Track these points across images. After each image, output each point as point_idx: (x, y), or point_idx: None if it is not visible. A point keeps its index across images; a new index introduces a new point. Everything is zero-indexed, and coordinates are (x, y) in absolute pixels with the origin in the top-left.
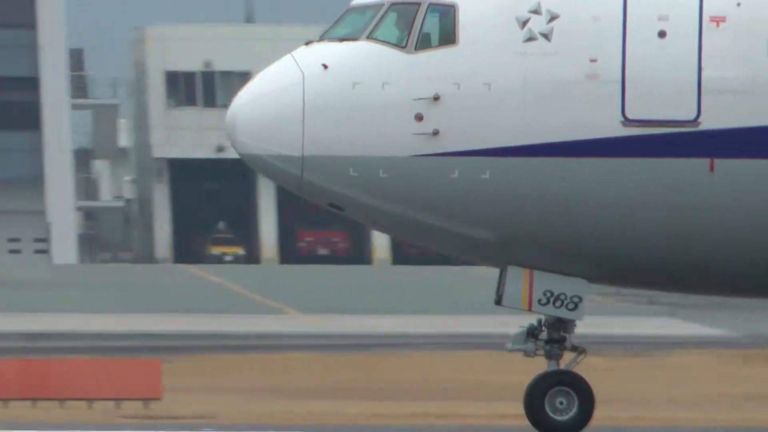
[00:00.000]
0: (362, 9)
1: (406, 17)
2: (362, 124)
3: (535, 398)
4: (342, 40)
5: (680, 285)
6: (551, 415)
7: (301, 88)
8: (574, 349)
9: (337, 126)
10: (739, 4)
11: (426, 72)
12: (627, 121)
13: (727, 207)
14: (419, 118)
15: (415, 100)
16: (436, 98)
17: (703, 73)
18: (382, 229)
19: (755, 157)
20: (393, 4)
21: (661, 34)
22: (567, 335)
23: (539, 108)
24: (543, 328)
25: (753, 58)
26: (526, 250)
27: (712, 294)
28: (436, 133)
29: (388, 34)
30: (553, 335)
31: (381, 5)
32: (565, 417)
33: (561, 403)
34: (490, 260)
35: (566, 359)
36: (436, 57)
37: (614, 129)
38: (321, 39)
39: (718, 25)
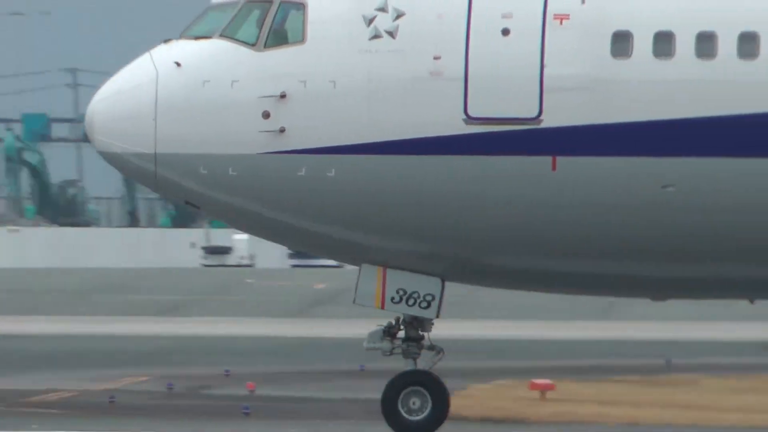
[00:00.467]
0: (221, 7)
1: (261, 15)
2: (212, 122)
3: (389, 398)
4: (198, 37)
5: (533, 283)
6: (404, 414)
7: (155, 86)
8: (432, 348)
9: (187, 124)
10: (583, 2)
11: (274, 70)
12: (469, 119)
13: (569, 204)
14: (266, 115)
15: (262, 97)
16: (283, 96)
17: (546, 71)
18: (239, 228)
19: (597, 154)
20: (248, 1)
21: (505, 32)
22: (425, 334)
23: (384, 106)
24: (401, 326)
25: (596, 56)
26: (376, 248)
27: (567, 292)
28: (282, 130)
29: (242, 32)
30: (411, 334)
31: (237, 3)
32: (419, 417)
33: (414, 403)
34: (344, 258)
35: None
36: (284, 55)
37: (457, 127)
38: (180, 37)
39: (561, 22)
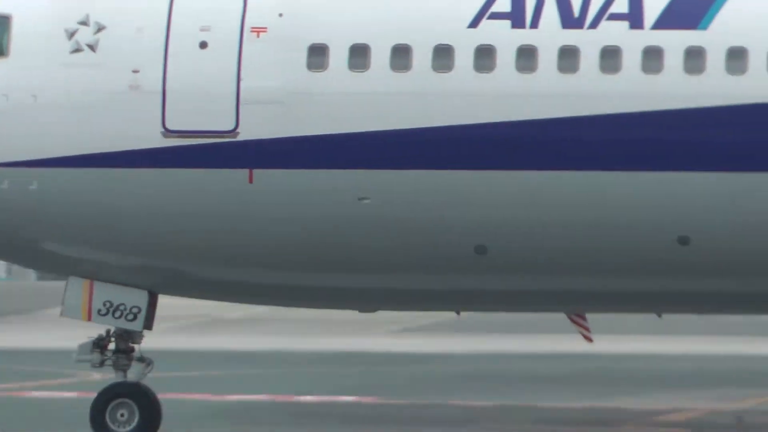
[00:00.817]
0: None
1: None
2: None
3: (97, 411)
4: None
5: (245, 295)
6: (112, 427)
7: None
8: (142, 360)
9: None
10: (281, 15)
11: None
12: (167, 132)
13: (267, 217)
14: None
15: None
16: None
17: (242, 84)
18: None
19: (293, 167)
20: None
21: (203, 45)
22: (135, 346)
23: (85, 119)
24: (111, 338)
25: (292, 69)
26: (82, 260)
27: (280, 305)
28: None
29: None
30: (121, 346)
31: None
32: (126, 429)
33: (122, 415)
34: (54, 270)
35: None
36: None
37: (155, 140)
38: None
39: (258, 35)
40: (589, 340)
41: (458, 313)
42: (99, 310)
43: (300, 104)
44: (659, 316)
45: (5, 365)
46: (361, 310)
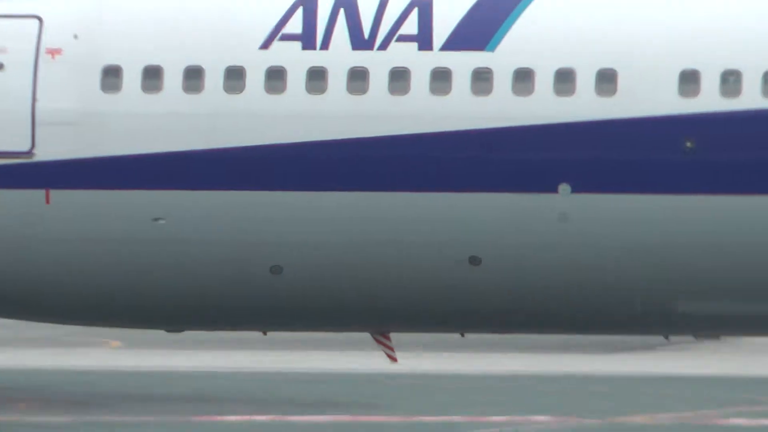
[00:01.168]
0: None
1: None
2: None
3: None
4: None
5: (42, 316)
6: None
7: None
8: None
9: None
10: (76, 36)
11: None
12: None
13: (64, 239)
14: None
15: None
16: None
17: (38, 105)
18: None
19: (89, 188)
20: None
21: None
22: None
23: None
24: None
25: (86, 90)
26: None
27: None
28: None
29: None
30: None
31: None
32: None
33: None
34: None
35: None
36: None
37: None
38: None
39: (54, 57)
40: (394, 359)
41: (265, 333)
42: None
43: (95, 125)
44: (462, 335)
45: (700, 390)
46: (167, 330)
